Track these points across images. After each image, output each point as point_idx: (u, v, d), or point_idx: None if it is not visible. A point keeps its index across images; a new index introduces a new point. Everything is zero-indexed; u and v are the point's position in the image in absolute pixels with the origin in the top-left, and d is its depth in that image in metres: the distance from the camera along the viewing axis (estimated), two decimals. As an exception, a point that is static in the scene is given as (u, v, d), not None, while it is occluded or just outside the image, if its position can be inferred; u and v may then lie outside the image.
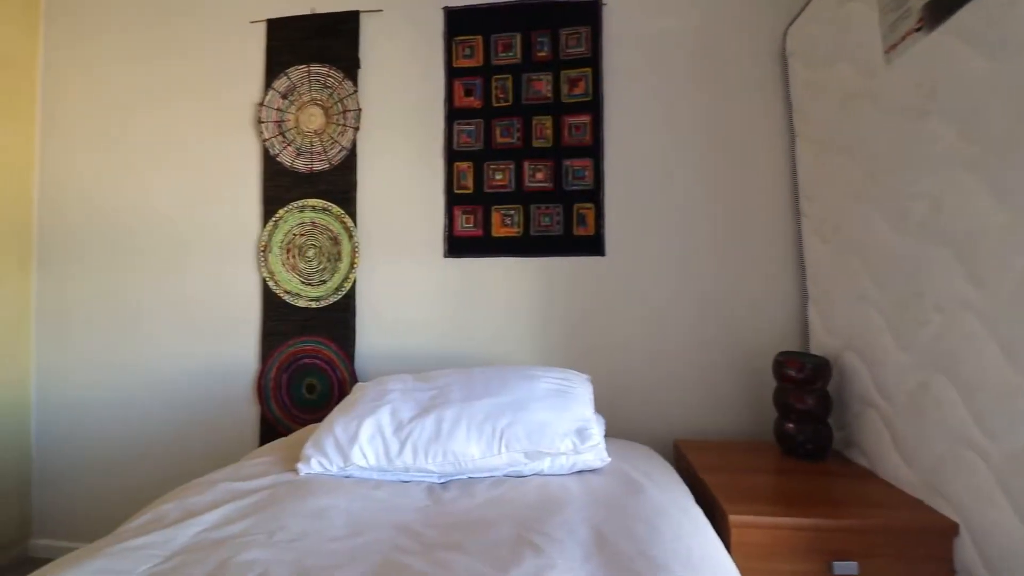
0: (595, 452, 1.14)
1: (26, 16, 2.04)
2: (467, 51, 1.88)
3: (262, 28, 1.98)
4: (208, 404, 1.93)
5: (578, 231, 1.80)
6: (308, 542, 0.85)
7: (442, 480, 1.14)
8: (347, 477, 1.14)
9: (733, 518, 1.03)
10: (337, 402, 1.80)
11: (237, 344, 1.92)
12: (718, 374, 1.69)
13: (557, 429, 1.13)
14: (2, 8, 1.95)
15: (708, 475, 1.23)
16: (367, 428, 1.15)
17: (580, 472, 1.15)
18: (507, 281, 1.82)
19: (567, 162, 1.82)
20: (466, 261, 1.84)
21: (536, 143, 1.83)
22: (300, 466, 1.14)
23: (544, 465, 1.14)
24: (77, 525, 2.01)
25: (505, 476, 1.15)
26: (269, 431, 1.88)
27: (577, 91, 1.83)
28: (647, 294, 1.75)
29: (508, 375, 1.29)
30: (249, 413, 1.91)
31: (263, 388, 1.88)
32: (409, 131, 1.90)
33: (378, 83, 1.92)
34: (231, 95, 1.99)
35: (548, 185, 1.82)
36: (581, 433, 1.14)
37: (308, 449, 1.15)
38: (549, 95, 1.84)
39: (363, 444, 1.13)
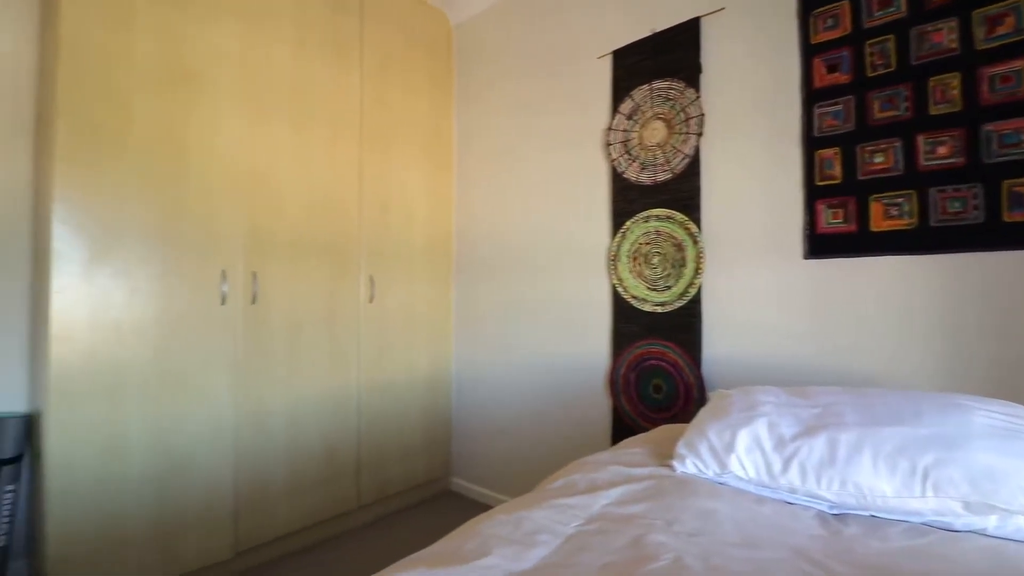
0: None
1: (445, 99, 2.81)
2: (829, 22, 1.65)
3: (607, 61, 2.20)
4: (571, 389, 2.26)
5: (1010, 216, 1.35)
6: (706, 540, 0.89)
7: (835, 511, 1.03)
8: (722, 484, 1.14)
9: None
10: (683, 405, 1.85)
11: (592, 342, 2.19)
12: None
13: (1017, 480, 0.87)
14: (431, 97, 2.73)
15: None
16: (743, 439, 1.13)
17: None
18: (893, 284, 1.51)
19: (988, 127, 1.39)
20: (833, 262, 1.62)
21: (935, 109, 1.46)
22: (675, 463, 1.20)
23: (990, 523, 0.89)
24: (479, 471, 2.65)
25: (924, 525, 0.95)
26: (618, 422, 2.07)
27: (1004, 30, 1.38)
28: None
29: (922, 402, 1.06)
30: (602, 403, 2.15)
31: (614, 383, 2.08)
32: (755, 126, 1.79)
33: (720, 84, 1.88)
34: (583, 126, 2.28)
35: (956, 160, 1.43)
36: (1057, 492, 0.84)
37: (681, 449, 1.21)
38: (954, 46, 1.44)
39: (740, 455, 1.12)
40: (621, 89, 2.14)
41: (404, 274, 2.52)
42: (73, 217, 1.57)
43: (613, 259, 2.10)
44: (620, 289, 2.08)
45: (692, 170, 1.91)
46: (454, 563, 0.81)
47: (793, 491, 1.06)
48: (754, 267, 1.77)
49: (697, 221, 1.89)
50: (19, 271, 1.91)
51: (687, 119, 1.94)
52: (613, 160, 2.13)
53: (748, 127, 1.81)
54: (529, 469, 2.42)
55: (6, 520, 1.74)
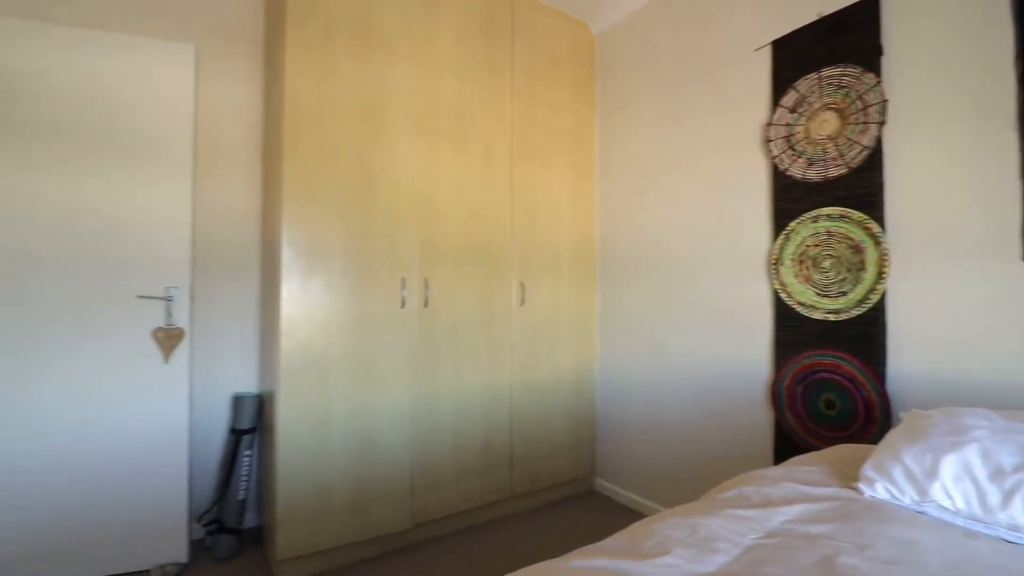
0: None
1: (587, 108, 2.87)
2: (1063, -22, 1.38)
3: (765, 53, 2.08)
4: (723, 398, 2.18)
5: None
6: (906, 571, 0.83)
7: (1079, 558, 0.88)
8: (921, 513, 1.04)
9: None
10: (863, 424, 1.69)
11: (749, 350, 2.09)
12: None
13: None
14: (574, 107, 2.81)
15: None
16: (949, 466, 1.02)
17: None
18: None
19: None
20: (1069, 265, 1.35)
21: None
22: (862, 486, 1.12)
23: None
24: (624, 474, 2.67)
25: None
26: (782, 437, 1.94)
27: None
28: None
29: None
30: (761, 416, 2.03)
31: (777, 395, 1.96)
32: (953, 110, 1.57)
33: (907, 65, 1.67)
34: (736, 124, 2.18)
35: None
36: None
37: (870, 471, 1.12)
38: None
39: (946, 483, 1.01)
40: (782, 81, 2.01)
41: (551, 279, 2.64)
42: (296, 240, 1.93)
43: (775, 263, 1.98)
44: (783, 295, 1.95)
45: (872, 163, 1.73)
46: (634, 557, 0.87)
47: (1015, 528, 0.93)
48: (955, 270, 1.54)
49: (880, 219, 1.70)
50: (251, 280, 2.41)
51: (865, 107, 1.76)
52: (774, 157, 2.01)
53: (944, 111, 1.59)
54: (679, 476, 2.38)
55: (244, 478, 2.20)
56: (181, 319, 2.05)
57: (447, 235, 2.29)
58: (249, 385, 2.39)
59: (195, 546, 2.18)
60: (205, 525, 2.17)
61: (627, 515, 2.52)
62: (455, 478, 2.30)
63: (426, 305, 2.22)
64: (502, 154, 2.48)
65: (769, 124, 2.03)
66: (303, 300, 1.95)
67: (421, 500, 2.20)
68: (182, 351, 2.05)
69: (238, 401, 2.23)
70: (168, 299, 2.02)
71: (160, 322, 2.02)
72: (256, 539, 2.26)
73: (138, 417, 2.00)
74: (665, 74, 2.52)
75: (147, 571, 1.99)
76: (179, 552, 2.04)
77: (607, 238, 2.83)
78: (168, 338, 2.02)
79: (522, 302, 2.53)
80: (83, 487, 1.92)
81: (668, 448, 2.43)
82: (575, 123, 2.78)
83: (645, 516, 2.46)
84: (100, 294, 1.95)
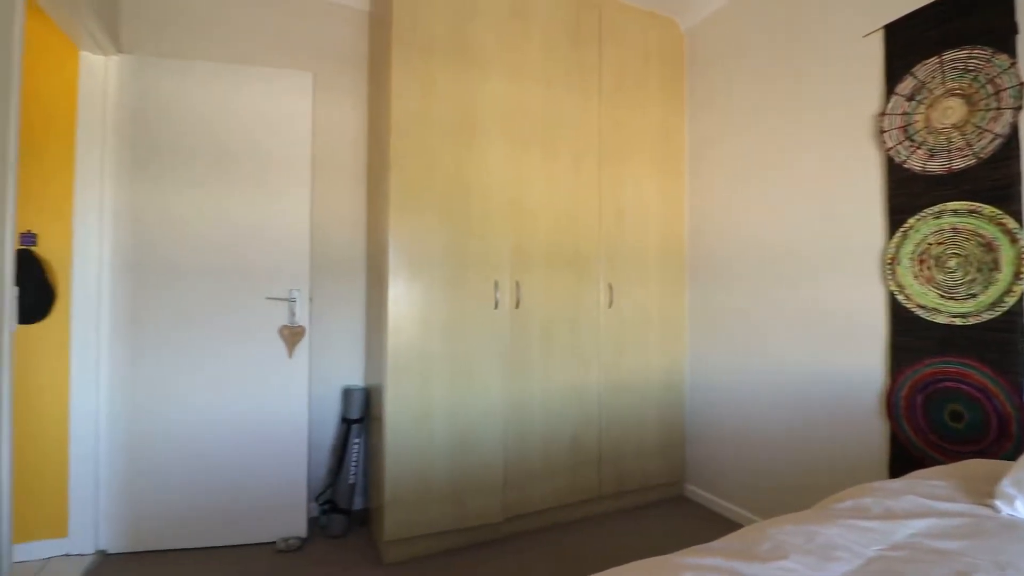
0: None
1: (676, 106, 2.83)
2: None
3: (877, 39, 1.95)
4: (828, 406, 2.07)
5: None
6: (1060, 596, 0.78)
7: None
8: (1074, 537, 0.95)
9: None
10: (996, 438, 1.55)
11: (858, 355, 1.96)
12: None
13: None
14: (662, 106, 2.77)
15: None
16: (1112, 486, 0.92)
17: None
18: None
19: None
20: None
21: None
22: (999, 503, 1.04)
23: None
24: (716, 480, 2.60)
25: None
26: (899, 449, 1.81)
27: None
28: None
29: None
30: (873, 426, 1.91)
31: (893, 405, 1.83)
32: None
33: (1055, 41, 1.50)
34: (843, 116, 2.05)
35: None
36: None
37: (1009, 488, 1.04)
38: None
39: (1108, 505, 0.92)
40: (897, 67, 1.87)
41: (639, 280, 2.63)
42: (400, 246, 2.09)
43: (890, 262, 1.85)
44: (901, 297, 1.82)
45: (1007, 152, 1.57)
46: (749, 559, 0.88)
47: None
48: (1116, 271, 1.37)
49: (1016, 214, 1.54)
50: (358, 283, 2.62)
51: (996, 92, 1.60)
52: (889, 149, 1.88)
53: (1103, 91, 1.41)
54: (777, 485, 2.28)
55: (354, 463, 2.41)
56: (302, 318, 2.28)
57: (537, 239, 2.36)
58: (355, 379, 2.61)
59: (311, 523, 2.42)
60: (320, 505, 2.40)
61: (719, 522, 2.46)
62: (545, 475, 2.36)
63: (517, 306, 2.30)
64: (590, 157, 2.51)
65: (882, 114, 1.91)
66: (407, 302, 2.10)
67: (512, 494, 2.29)
68: (303, 347, 2.29)
69: (348, 393, 2.44)
70: (292, 300, 2.27)
71: (285, 321, 2.27)
72: (363, 520, 2.46)
73: (267, 406, 2.25)
74: (760, 68, 2.43)
75: (273, 542, 2.24)
76: (299, 528, 2.28)
77: (698, 238, 2.77)
78: (292, 335, 2.26)
79: (610, 304, 2.54)
80: (223, 465, 2.21)
81: (764, 455, 2.34)
82: (663, 123, 2.75)
83: (738, 524, 2.39)
84: (236, 296, 2.23)
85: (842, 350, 2.03)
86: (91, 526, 2.13)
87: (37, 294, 2.05)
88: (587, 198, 2.50)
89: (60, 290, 2.12)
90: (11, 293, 1.40)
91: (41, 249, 2.10)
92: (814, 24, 2.18)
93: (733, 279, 2.53)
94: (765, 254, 2.37)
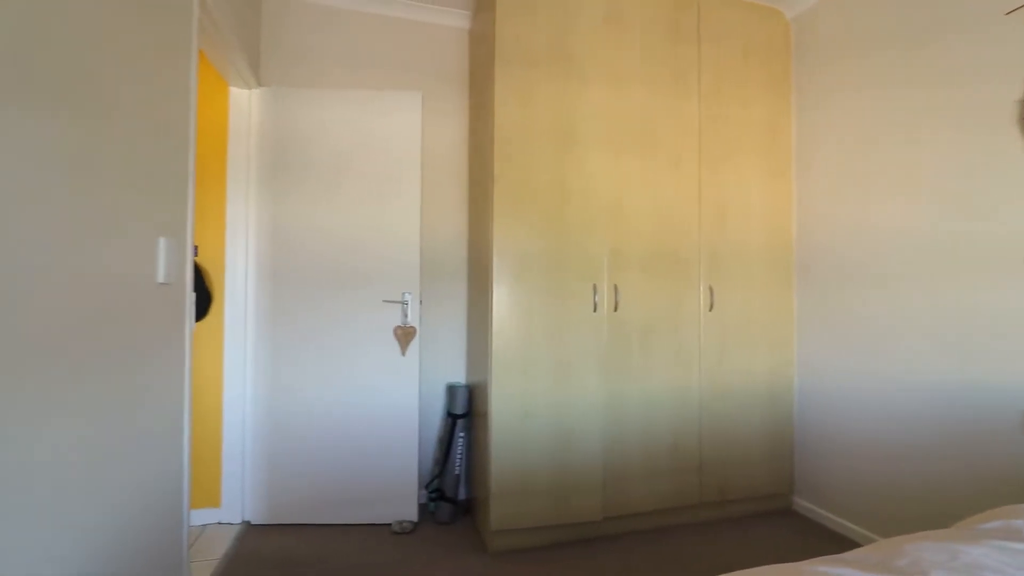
0: None
1: (782, 101, 2.69)
2: None
3: (1021, 16, 1.75)
4: (964, 421, 1.89)
5: None
6: None
7: None
8: None
9: None
10: None
11: (1005, 365, 1.78)
12: None
13: None
14: (766, 101, 2.66)
15: None
16: None
17: None
18: None
19: None
20: None
21: None
22: None
23: None
24: (830, 495, 2.46)
25: None
26: (1056, 472, 1.62)
27: None
28: None
29: None
30: (1018, 446, 1.72)
31: (1048, 421, 1.64)
32: None
33: None
34: (980, 101, 1.86)
35: None
36: None
37: None
38: None
39: None
40: (1053, 44, 1.67)
41: (742, 283, 2.55)
42: (504, 252, 2.21)
43: (1043, 263, 1.66)
44: (1057, 301, 1.63)
45: None
46: (886, 573, 0.86)
47: None
48: None
49: None
50: (460, 286, 2.79)
51: None
52: (1041, 137, 1.68)
53: None
54: (902, 504, 2.12)
55: (459, 455, 2.56)
56: (413, 319, 2.48)
57: (635, 242, 2.38)
58: (457, 376, 2.77)
59: (421, 509, 2.61)
60: (430, 493, 2.59)
61: (831, 539, 2.32)
62: (644, 477, 2.37)
63: (616, 309, 2.33)
64: (689, 157, 2.48)
65: (1033, 98, 1.71)
66: (509, 304, 2.21)
67: (612, 494, 2.32)
68: (414, 345, 2.48)
69: (452, 389, 2.61)
70: (404, 303, 2.47)
71: (398, 321, 2.47)
72: (468, 509, 2.62)
73: (383, 399, 2.47)
74: (878, 54, 2.26)
75: (389, 524, 2.46)
76: (411, 512, 2.47)
77: (808, 237, 2.63)
78: (405, 335, 2.46)
79: (711, 307, 2.49)
80: (346, 450, 2.45)
81: (887, 470, 2.18)
82: (767, 118, 2.64)
83: (853, 541, 2.25)
84: (357, 298, 2.46)
85: (985, 359, 1.84)
86: (239, 499, 2.46)
87: (198, 297, 2.41)
88: (687, 199, 2.47)
89: (215, 294, 2.48)
90: (190, 299, 1.67)
91: (201, 258, 2.47)
92: (945, 2, 2.00)
93: (849, 281, 2.38)
94: (887, 253, 2.21)
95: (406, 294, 2.48)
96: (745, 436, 2.55)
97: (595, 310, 2.30)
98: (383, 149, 2.49)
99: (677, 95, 2.47)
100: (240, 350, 2.45)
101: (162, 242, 1.36)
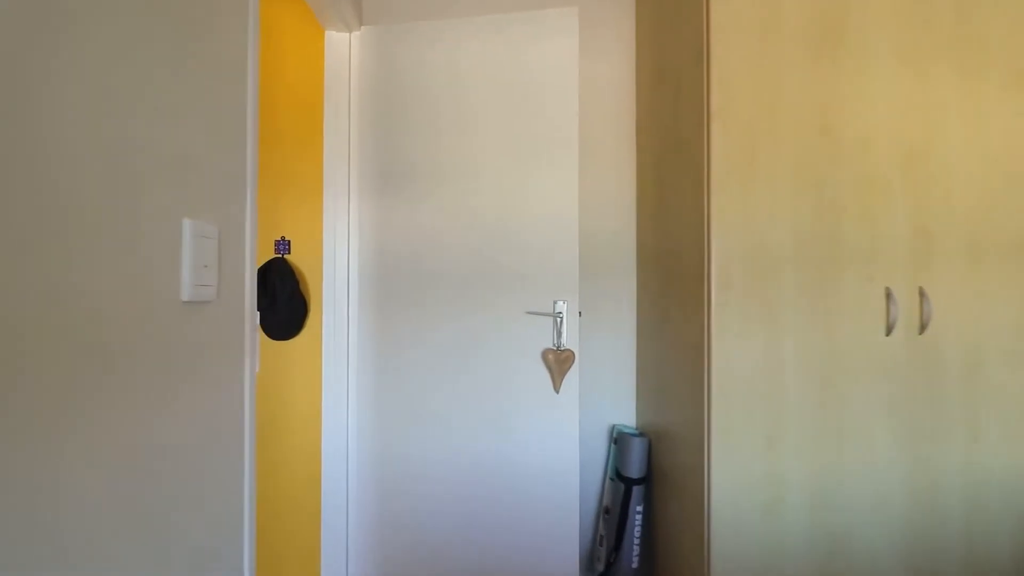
0: None
1: None
2: None
3: None
4: None
5: None
6: None
7: None
8: None
9: None
10: None
11: None
12: None
13: None
14: None
15: None
16: None
17: None
18: None
19: None
20: None
21: None
22: None
23: None
24: None
25: None
26: None
27: None
28: None
29: None
30: None
31: None
32: None
33: None
34: None
35: None
36: None
37: None
38: None
39: None
40: None
41: None
42: (725, 238, 1.36)
43: None
44: None
45: None
46: None
47: None
48: None
49: None
50: (625, 290, 1.97)
51: None
52: None
53: None
54: None
55: (637, 540, 1.76)
56: (570, 340, 1.71)
57: (953, 217, 1.41)
58: (622, 417, 1.97)
59: (579, 605, 1.85)
60: (594, 586, 1.82)
61: None
62: (975, 614, 1.41)
63: (922, 331, 1.39)
64: (1044, 71, 1.45)
65: None
66: (738, 322, 1.36)
67: (916, 638, 1.39)
68: (571, 377, 1.72)
69: (622, 441, 1.81)
70: (557, 315, 1.70)
71: (548, 343, 1.72)
72: (648, 616, 1.81)
73: (530, 452, 1.74)
74: None
75: (537, 627, 1.72)
76: (569, 613, 1.71)
77: None
78: (558, 362, 1.70)
79: (1083, 323, 1.45)
80: (477, 522, 1.75)
81: None
82: None
83: None
84: (488, 310, 1.75)
85: None
86: (342, 561, 1.86)
87: (291, 306, 1.83)
88: (1037, 142, 1.45)
89: (311, 303, 1.89)
90: (252, 322, 1.02)
91: (293, 257, 1.89)
92: None
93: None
94: None
95: (559, 303, 1.71)
96: None
97: (888, 333, 1.37)
98: (524, 95, 1.74)
99: (1014, -33, 1.45)
100: (343, 372, 1.84)
101: (187, 224, 0.70)
